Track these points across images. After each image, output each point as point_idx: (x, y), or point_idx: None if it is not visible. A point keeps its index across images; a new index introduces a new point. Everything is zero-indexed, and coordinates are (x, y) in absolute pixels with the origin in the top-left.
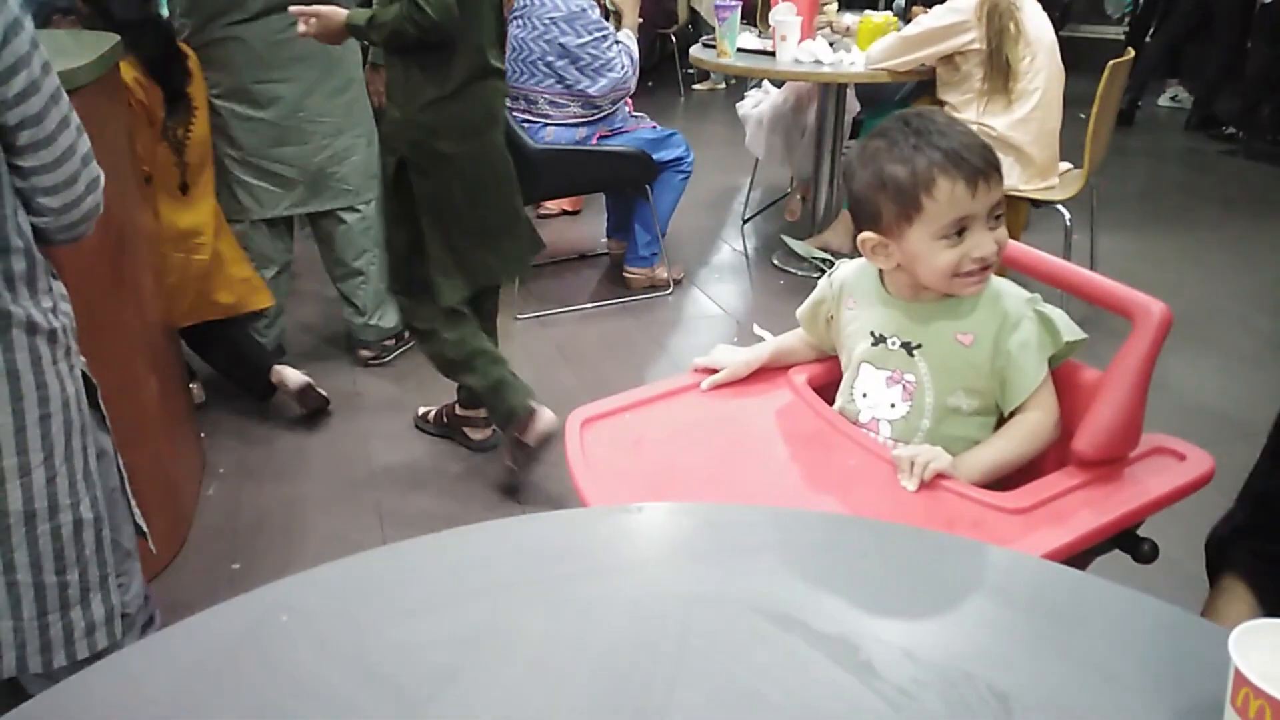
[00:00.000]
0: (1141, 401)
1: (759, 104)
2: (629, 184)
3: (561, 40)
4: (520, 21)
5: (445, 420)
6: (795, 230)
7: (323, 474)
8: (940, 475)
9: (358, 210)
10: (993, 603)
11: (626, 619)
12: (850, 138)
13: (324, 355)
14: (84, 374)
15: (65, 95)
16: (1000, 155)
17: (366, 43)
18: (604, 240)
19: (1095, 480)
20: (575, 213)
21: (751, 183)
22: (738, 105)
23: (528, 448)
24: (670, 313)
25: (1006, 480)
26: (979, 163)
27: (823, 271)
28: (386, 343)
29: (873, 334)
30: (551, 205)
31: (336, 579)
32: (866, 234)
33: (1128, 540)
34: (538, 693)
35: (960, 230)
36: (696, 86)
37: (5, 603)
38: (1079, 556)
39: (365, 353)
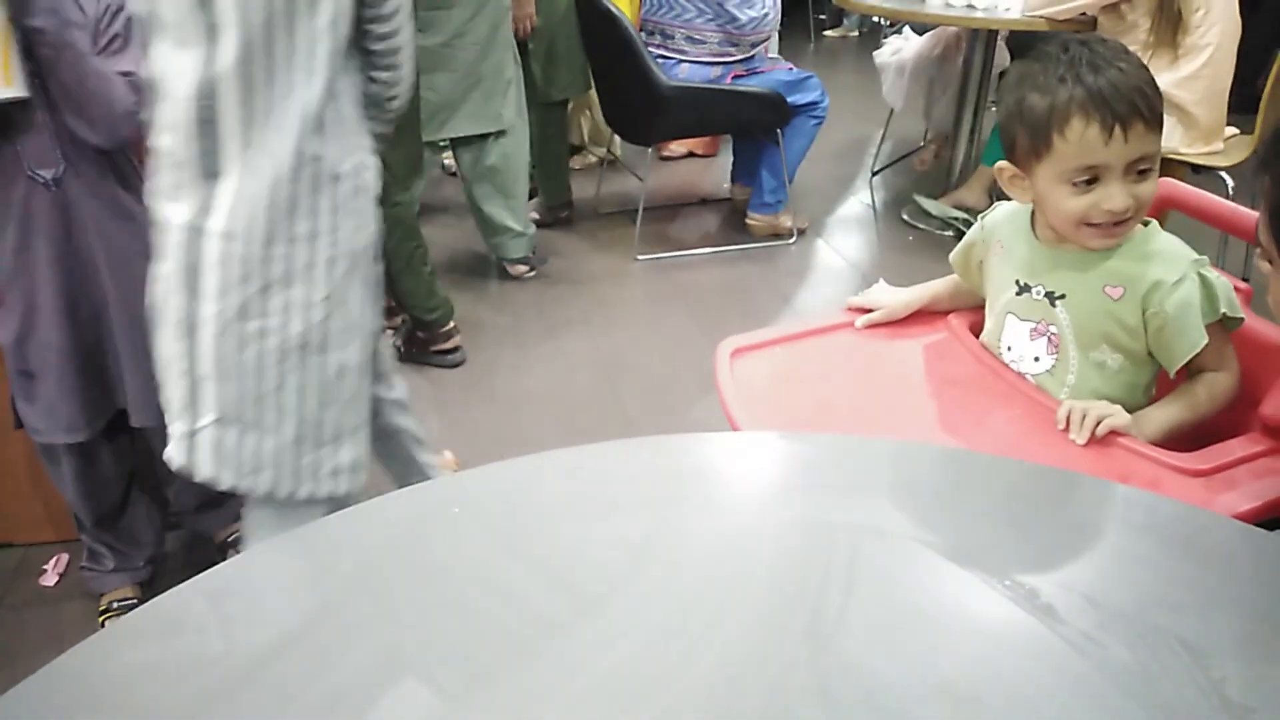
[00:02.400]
0: None
1: (899, 51)
2: (760, 127)
3: None
4: None
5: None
6: (927, 184)
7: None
8: (1113, 432)
9: (503, 134)
10: (1178, 558)
11: (794, 540)
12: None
13: (469, 278)
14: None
15: None
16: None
17: None
18: (727, 185)
19: None
20: (707, 156)
21: (884, 134)
22: (875, 53)
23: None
24: (793, 262)
25: (1176, 444)
26: (1123, 108)
27: (955, 230)
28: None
29: (1017, 282)
30: (676, 147)
31: (506, 478)
32: (1004, 163)
33: None
34: (707, 603)
35: (1092, 177)
36: (827, 33)
37: (274, 421)
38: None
39: (520, 267)
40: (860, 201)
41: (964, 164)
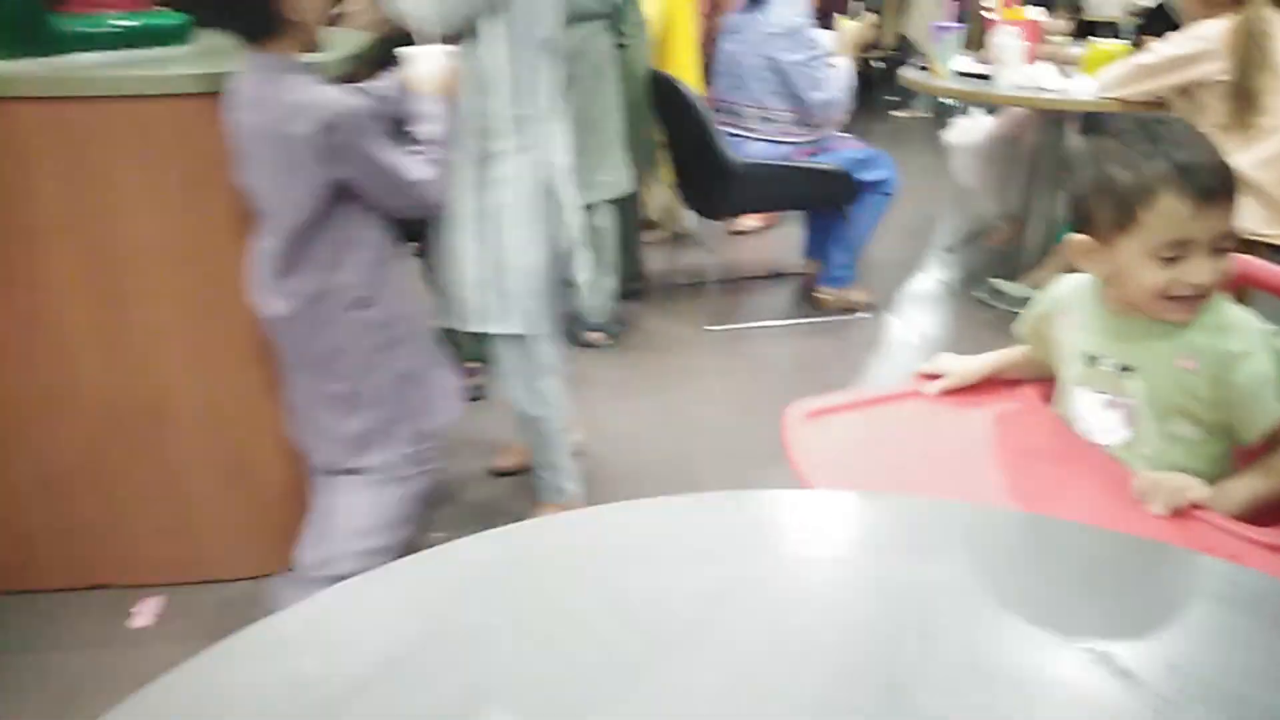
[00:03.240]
0: None
1: (969, 132)
2: (829, 203)
3: (776, 55)
4: (736, 37)
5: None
6: (999, 263)
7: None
8: (1193, 505)
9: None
10: (1262, 629)
11: (871, 597)
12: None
13: None
14: None
15: None
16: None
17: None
18: (798, 260)
19: None
20: (768, 228)
21: (955, 213)
22: (945, 134)
23: None
24: (864, 336)
25: (1258, 517)
26: (1213, 183)
27: None
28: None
29: (1086, 354)
30: (749, 222)
31: (588, 525)
32: (1077, 236)
33: None
34: (784, 652)
35: (1177, 251)
36: (897, 114)
37: None
38: None
39: (596, 335)
40: (932, 278)
41: (1039, 246)
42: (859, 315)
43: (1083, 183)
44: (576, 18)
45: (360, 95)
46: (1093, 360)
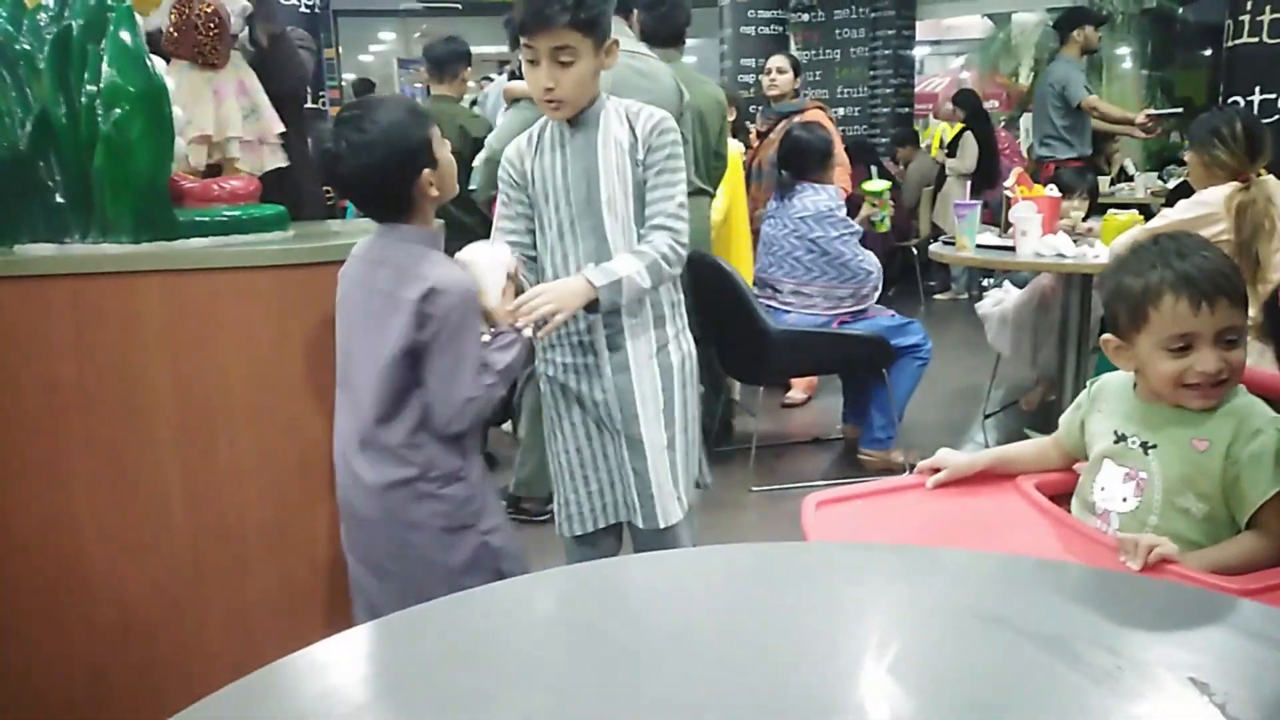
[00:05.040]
0: None
1: (1000, 303)
2: (866, 367)
3: (811, 236)
4: (773, 220)
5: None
6: (1037, 425)
7: None
8: (1164, 560)
9: None
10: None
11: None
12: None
13: None
14: None
15: None
16: (1252, 342)
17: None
18: (839, 426)
19: None
20: (810, 399)
21: (992, 381)
22: (977, 305)
23: None
24: None
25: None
26: (1207, 286)
27: None
28: None
29: (1116, 432)
30: (797, 394)
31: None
32: (1108, 336)
33: None
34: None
35: (1185, 345)
36: (938, 296)
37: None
38: None
39: None
40: (973, 442)
41: (1071, 403)
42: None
43: (1106, 291)
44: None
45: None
46: (1122, 438)
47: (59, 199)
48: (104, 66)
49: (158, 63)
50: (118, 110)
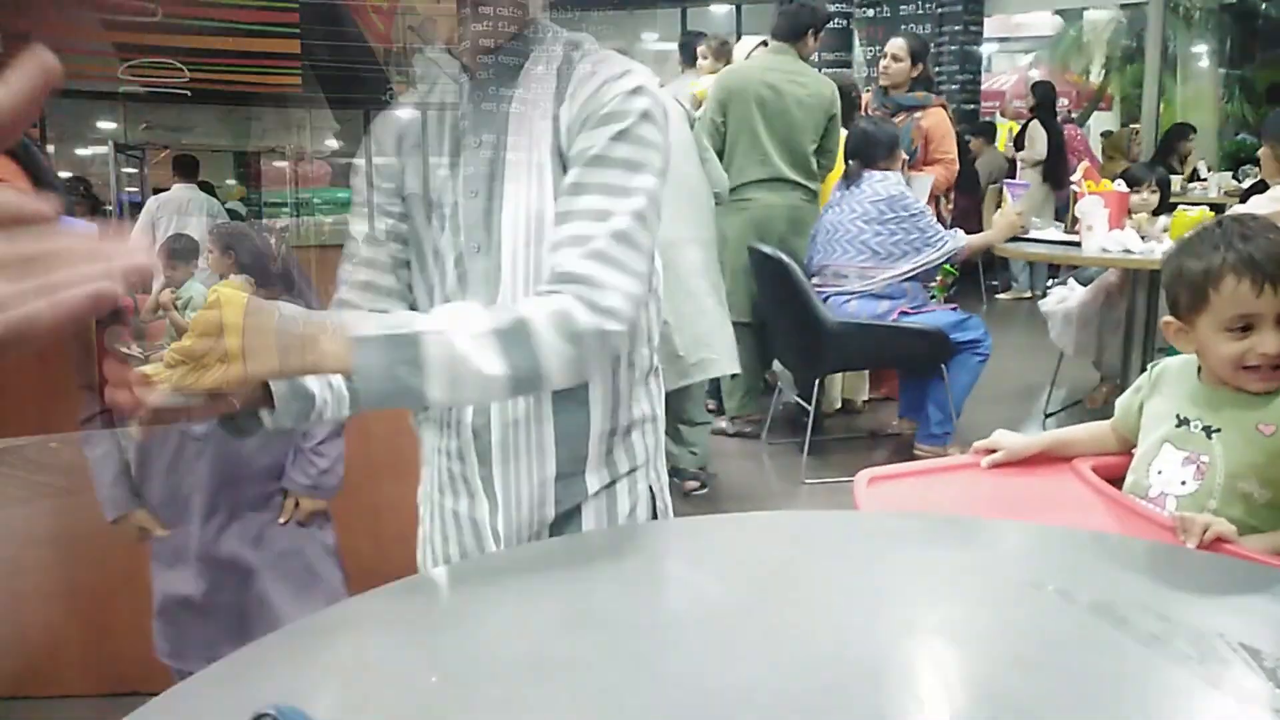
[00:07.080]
0: None
1: (1064, 300)
2: (924, 361)
3: (884, 219)
4: (835, 209)
5: None
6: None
7: None
8: (1221, 539)
9: None
10: None
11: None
12: None
13: None
14: None
15: None
16: None
17: None
18: (895, 421)
19: None
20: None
21: (1054, 379)
22: (1041, 303)
23: None
24: None
25: None
26: (1270, 268)
27: None
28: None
29: (1178, 416)
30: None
31: (652, 537)
32: (1169, 318)
33: None
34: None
35: (1246, 326)
36: (1001, 296)
37: None
38: None
39: (692, 483)
40: None
41: None
42: None
43: (1168, 273)
44: None
45: None
46: (1184, 422)
47: None
48: None
49: None
50: None
